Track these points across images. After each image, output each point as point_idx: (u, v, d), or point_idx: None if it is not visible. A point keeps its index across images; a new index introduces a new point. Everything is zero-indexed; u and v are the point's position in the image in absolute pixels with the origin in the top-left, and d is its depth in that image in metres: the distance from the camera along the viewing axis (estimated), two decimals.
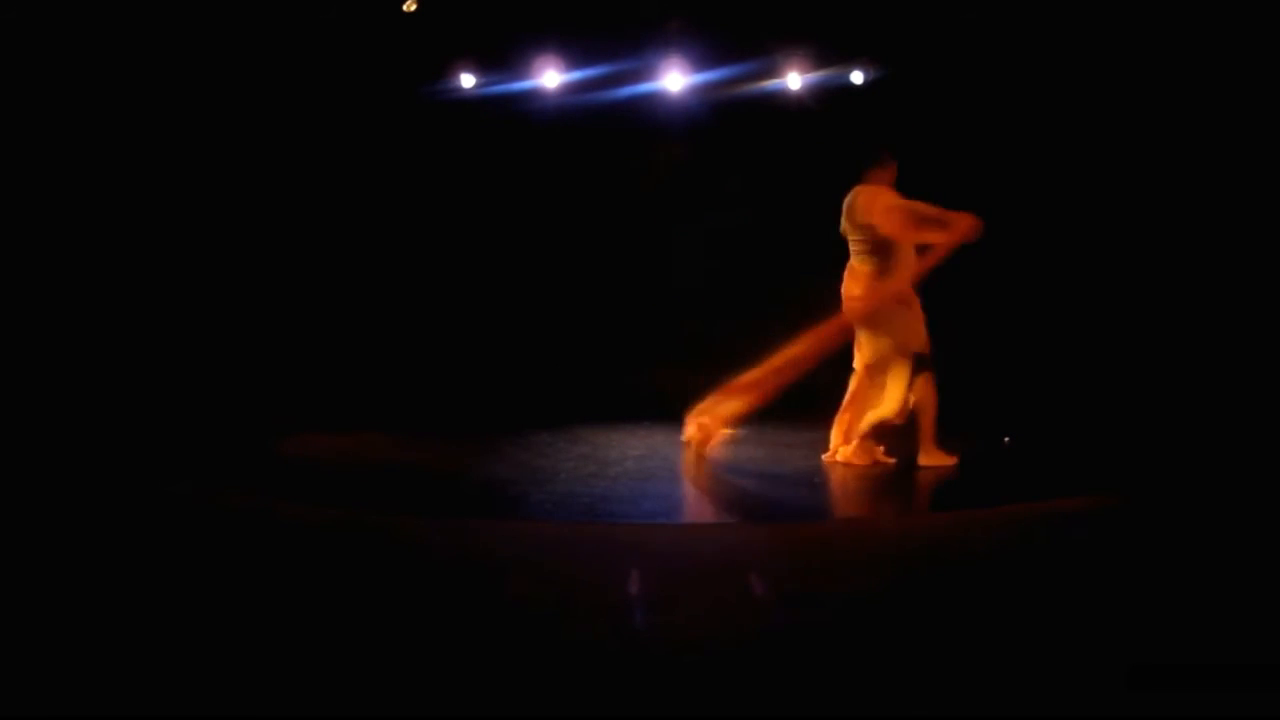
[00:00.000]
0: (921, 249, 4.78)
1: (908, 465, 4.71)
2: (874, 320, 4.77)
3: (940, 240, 4.66)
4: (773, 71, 6.96)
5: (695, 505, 3.98)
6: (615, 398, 6.72)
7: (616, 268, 7.20)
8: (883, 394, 4.71)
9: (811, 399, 6.89)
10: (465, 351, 6.88)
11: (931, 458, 4.72)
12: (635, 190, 7.26)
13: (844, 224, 4.87)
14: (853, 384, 4.93)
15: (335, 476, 4.78)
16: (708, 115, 7.09)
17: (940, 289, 7.04)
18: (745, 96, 7.07)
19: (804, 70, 6.92)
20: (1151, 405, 5.85)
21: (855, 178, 5.11)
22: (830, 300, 4.95)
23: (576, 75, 6.86)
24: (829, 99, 7.07)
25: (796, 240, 7.42)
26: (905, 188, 7.26)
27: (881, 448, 4.82)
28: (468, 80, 6.89)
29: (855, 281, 4.83)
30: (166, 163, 6.37)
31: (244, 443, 5.46)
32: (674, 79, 6.90)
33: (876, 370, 4.77)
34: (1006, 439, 5.55)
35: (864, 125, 6.51)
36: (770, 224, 7.44)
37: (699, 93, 7.02)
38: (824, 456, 4.94)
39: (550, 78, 6.84)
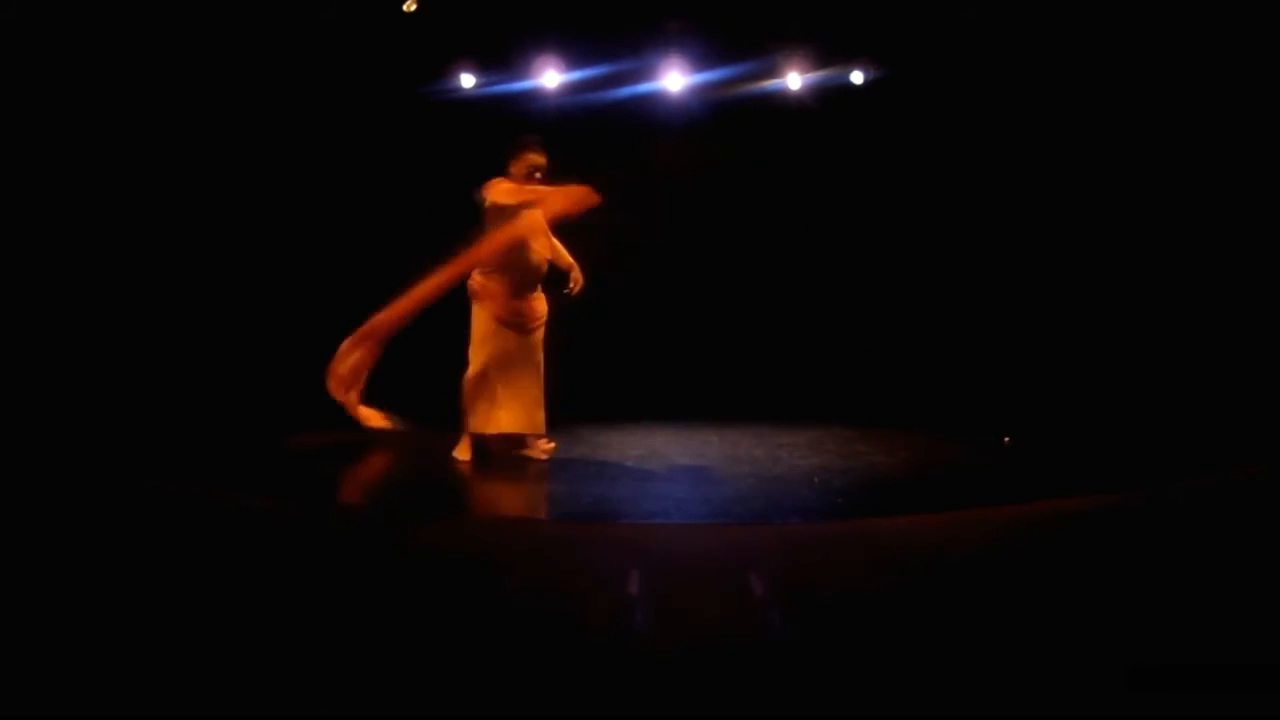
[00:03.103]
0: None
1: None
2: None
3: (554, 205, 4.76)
4: (773, 71, 6.97)
5: (695, 505, 3.98)
6: (615, 398, 6.72)
7: (613, 265, 7.21)
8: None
9: (807, 398, 6.93)
10: (465, 351, 6.89)
11: (458, 450, 4.92)
12: (633, 189, 7.28)
13: None
14: None
15: (335, 476, 4.78)
16: (707, 115, 7.11)
17: (940, 288, 7.08)
18: (745, 96, 7.09)
19: (804, 70, 6.93)
20: (1151, 405, 5.85)
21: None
22: None
23: (576, 75, 6.87)
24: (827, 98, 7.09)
25: (792, 239, 7.45)
26: (905, 188, 7.29)
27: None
28: (468, 80, 6.89)
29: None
30: (167, 162, 6.37)
31: (244, 442, 5.46)
32: (674, 79, 6.90)
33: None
34: (1006, 439, 5.55)
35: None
36: (769, 224, 7.45)
37: (699, 92, 7.04)
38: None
39: (550, 78, 6.85)
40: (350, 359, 4.57)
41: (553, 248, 4.99)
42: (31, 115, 5.85)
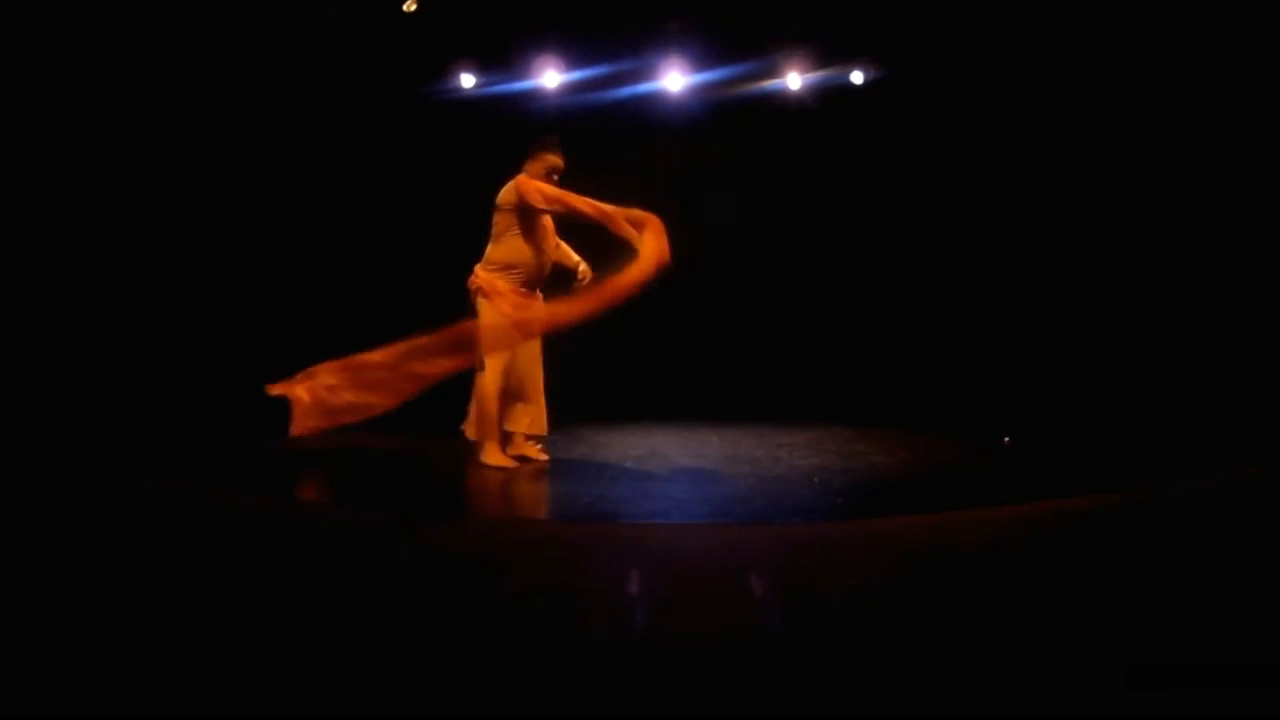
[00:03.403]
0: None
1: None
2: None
3: (635, 271, 4.58)
4: (773, 71, 6.97)
5: (695, 505, 3.98)
6: (615, 398, 6.72)
7: (612, 265, 7.22)
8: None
9: (807, 398, 6.92)
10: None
11: (492, 458, 4.75)
12: (633, 189, 7.27)
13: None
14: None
15: (335, 476, 4.78)
16: (707, 115, 7.11)
17: (940, 288, 7.09)
18: (745, 96, 7.09)
19: (804, 70, 6.93)
20: (1151, 404, 5.85)
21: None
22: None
23: (576, 75, 6.87)
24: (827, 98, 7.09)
25: (791, 239, 7.45)
26: (905, 188, 7.29)
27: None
28: (468, 80, 6.90)
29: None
30: (166, 162, 6.38)
31: (244, 443, 5.46)
32: (674, 79, 6.90)
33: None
34: (1006, 439, 5.55)
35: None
36: (766, 223, 7.45)
37: (699, 93, 7.04)
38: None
39: (550, 78, 6.85)
40: (418, 367, 4.48)
41: (558, 247, 4.94)
42: (31, 116, 5.85)
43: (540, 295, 4.93)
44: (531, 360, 4.86)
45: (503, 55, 6.82)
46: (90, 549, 3.26)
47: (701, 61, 6.87)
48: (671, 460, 5.07)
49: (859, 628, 2.52)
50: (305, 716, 2.03)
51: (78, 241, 6.06)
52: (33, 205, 5.92)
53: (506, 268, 4.75)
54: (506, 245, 4.75)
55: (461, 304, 4.85)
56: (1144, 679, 2.10)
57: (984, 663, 2.27)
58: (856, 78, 6.97)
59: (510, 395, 4.79)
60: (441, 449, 5.22)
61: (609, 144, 6.91)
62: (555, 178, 4.77)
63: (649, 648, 2.40)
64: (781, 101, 7.08)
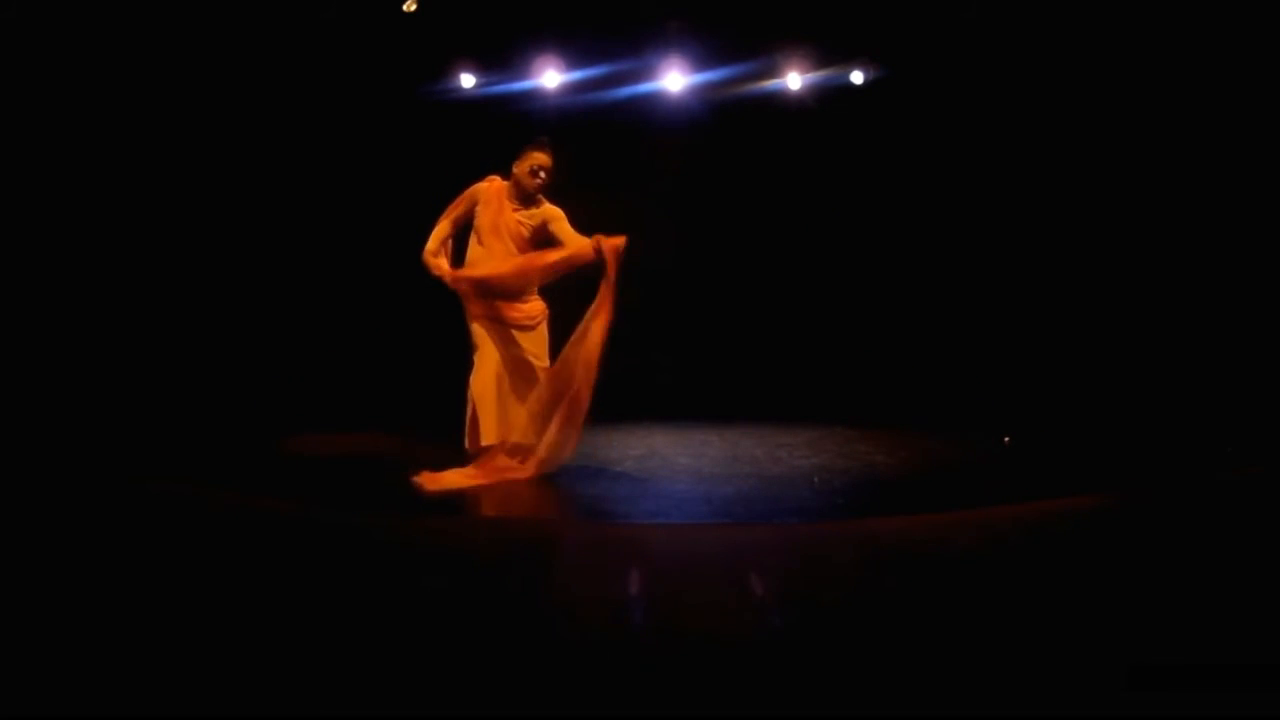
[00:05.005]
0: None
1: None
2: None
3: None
4: (773, 71, 6.98)
5: (695, 505, 3.98)
6: (615, 398, 6.71)
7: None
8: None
9: (807, 398, 6.93)
10: (466, 352, 6.91)
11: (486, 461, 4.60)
12: (632, 189, 7.27)
13: None
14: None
15: (335, 476, 4.77)
16: (707, 115, 7.11)
17: (940, 288, 7.09)
18: (745, 96, 7.10)
19: (804, 70, 6.94)
20: (1151, 405, 5.85)
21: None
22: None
23: (576, 75, 6.89)
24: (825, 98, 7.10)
25: (791, 239, 7.45)
26: (905, 188, 7.29)
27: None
28: (468, 80, 6.90)
29: None
30: (167, 162, 6.38)
31: (244, 443, 5.46)
32: (674, 79, 6.91)
33: None
34: (1006, 439, 5.55)
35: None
36: (767, 223, 7.45)
37: (699, 92, 7.05)
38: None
39: (550, 78, 6.86)
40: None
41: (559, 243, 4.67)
42: (31, 115, 5.85)
43: (515, 301, 4.76)
44: (527, 361, 4.80)
45: (503, 55, 6.83)
46: (89, 549, 3.27)
47: (701, 61, 6.88)
48: (671, 460, 5.07)
49: (859, 628, 2.52)
50: (305, 716, 2.03)
51: (77, 241, 6.06)
52: (32, 205, 5.92)
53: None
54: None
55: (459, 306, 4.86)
56: (1144, 679, 2.10)
57: (984, 663, 2.27)
58: (856, 78, 6.97)
59: (510, 400, 4.69)
60: (442, 450, 5.22)
61: (609, 144, 6.91)
62: (542, 175, 4.65)
63: (649, 648, 2.40)
64: (781, 101, 7.08)
